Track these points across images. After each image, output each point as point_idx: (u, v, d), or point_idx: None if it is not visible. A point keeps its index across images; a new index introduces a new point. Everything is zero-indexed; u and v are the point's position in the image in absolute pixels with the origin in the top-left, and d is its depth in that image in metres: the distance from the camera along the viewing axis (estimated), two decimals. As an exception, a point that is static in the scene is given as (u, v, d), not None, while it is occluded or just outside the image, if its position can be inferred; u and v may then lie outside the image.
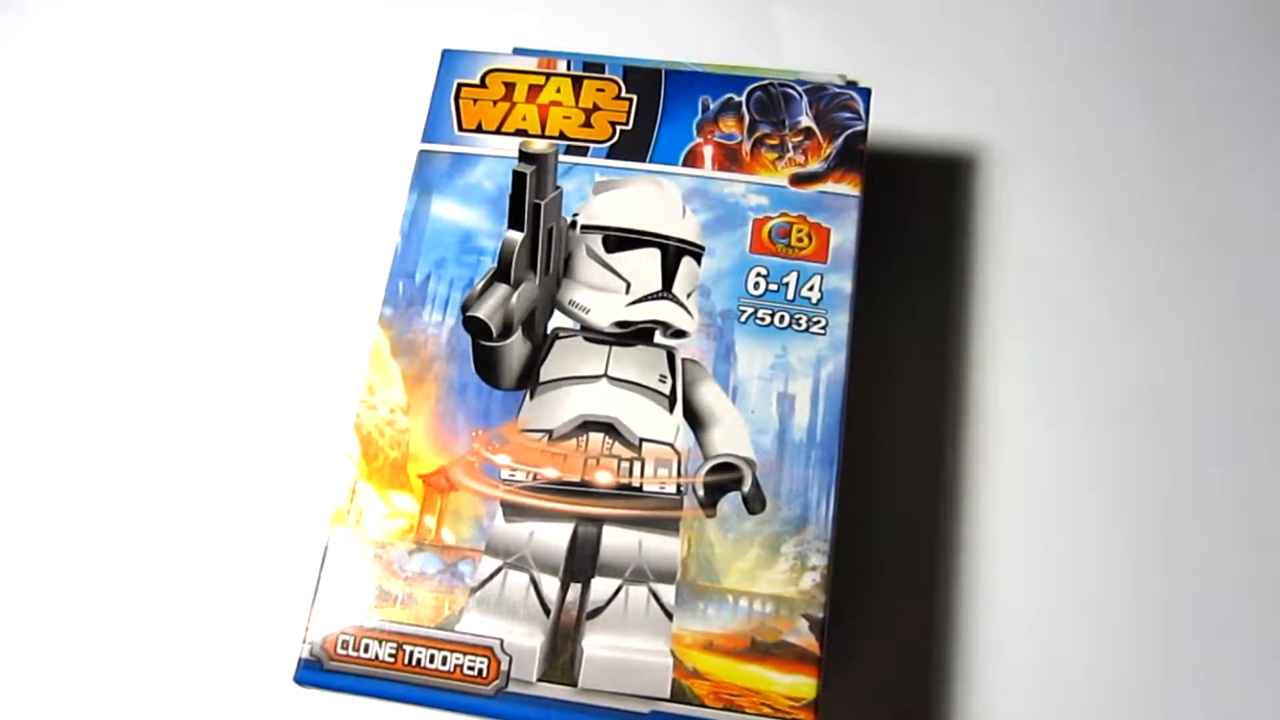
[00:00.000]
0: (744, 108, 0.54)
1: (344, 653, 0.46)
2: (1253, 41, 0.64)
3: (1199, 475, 0.56)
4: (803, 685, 0.45)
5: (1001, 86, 0.64)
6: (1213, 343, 0.58)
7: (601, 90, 0.55)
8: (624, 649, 0.46)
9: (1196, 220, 0.61)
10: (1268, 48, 0.64)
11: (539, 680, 0.45)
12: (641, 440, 0.48)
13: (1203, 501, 0.55)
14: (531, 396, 0.50)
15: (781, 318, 0.50)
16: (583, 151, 0.54)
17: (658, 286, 0.51)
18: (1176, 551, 0.55)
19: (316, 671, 0.46)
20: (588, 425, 0.49)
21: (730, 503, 0.48)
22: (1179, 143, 0.62)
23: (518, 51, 0.57)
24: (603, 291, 0.51)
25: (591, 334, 0.51)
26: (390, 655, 0.46)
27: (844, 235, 0.51)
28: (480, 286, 0.50)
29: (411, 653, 0.46)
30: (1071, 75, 0.64)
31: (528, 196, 0.49)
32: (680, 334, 0.50)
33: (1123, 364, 0.58)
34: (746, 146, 0.53)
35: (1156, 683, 0.52)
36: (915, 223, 0.61)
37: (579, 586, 0.47)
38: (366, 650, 0.46)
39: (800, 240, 0.51)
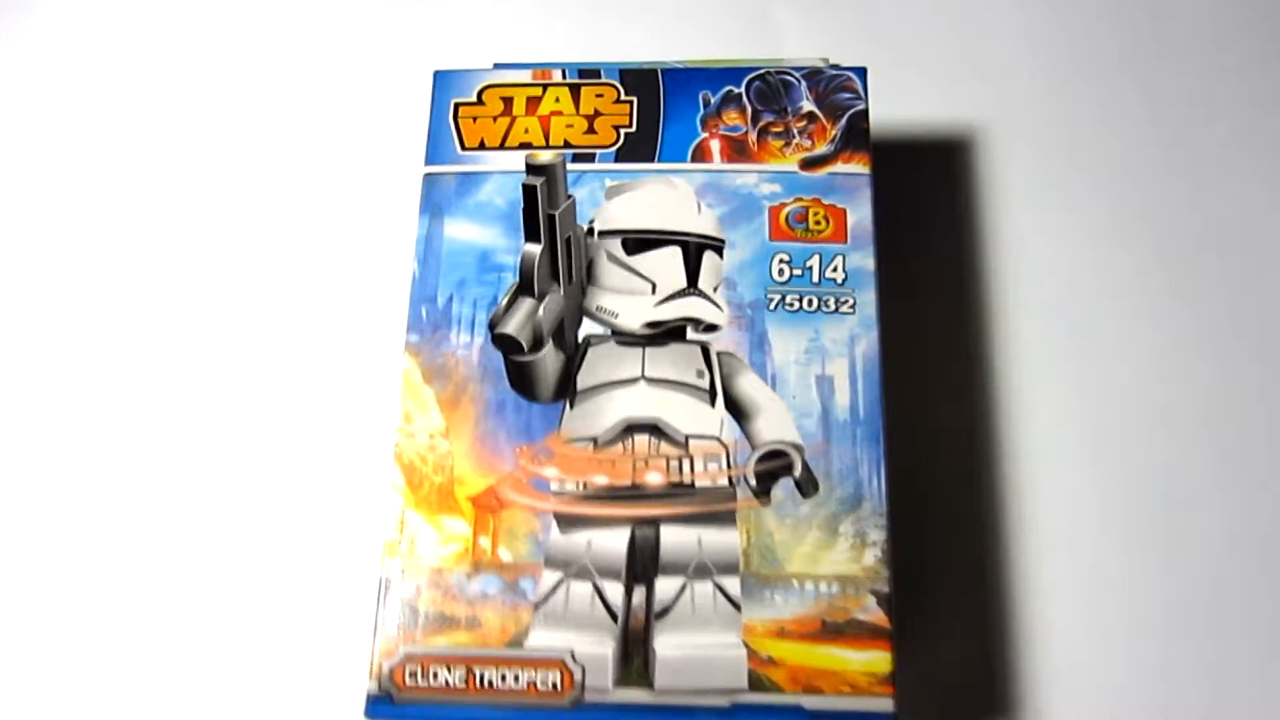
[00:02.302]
0: (745, 99, 0.54)
1: (413, 683, 0.46)
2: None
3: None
4: (878, 660, 0.45)
5: (998, 75, 0.65)
6: (1208, 326, 0.59)
7: (600, 95, 0.55)
8: (696, 645, 0.46)
9: (1191, 207, 0.62)
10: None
11: (615, 687, 0.45)
12: (688, 437, 0.49)
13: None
14: (571, 406, 0.49)
15: (810, 301, 0.51)
16: (589, 158, 0.54)
17: (683, 284, 0.51)
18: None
19: (387, 705, 0.46)
20: (632, 428, 0.49)
21: (783, 489, 0.48)
22: (1176, 127, 0.64)
23: (498, 67, 0.57)
24: (629, 294, 0.51)
25: (623, 337, 0.51)
26: (460, 680, 0.46)
27: (860, 214, 0.52)
28: (505, 303, 0.50)
29: (482, 674, 0.46)
30: (1067, 64, 0.65)
31: (541, 208, 0.49)
32: (712, 328, 0.50)
33: (1124, 346, 0.59)
34: (752, 137, 0.54)
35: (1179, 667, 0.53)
36: (919, 205, 0.62)
37: (643, 589, 0.47)
38: (435, 677, 0.46)
39: (818, 223, 0.52)
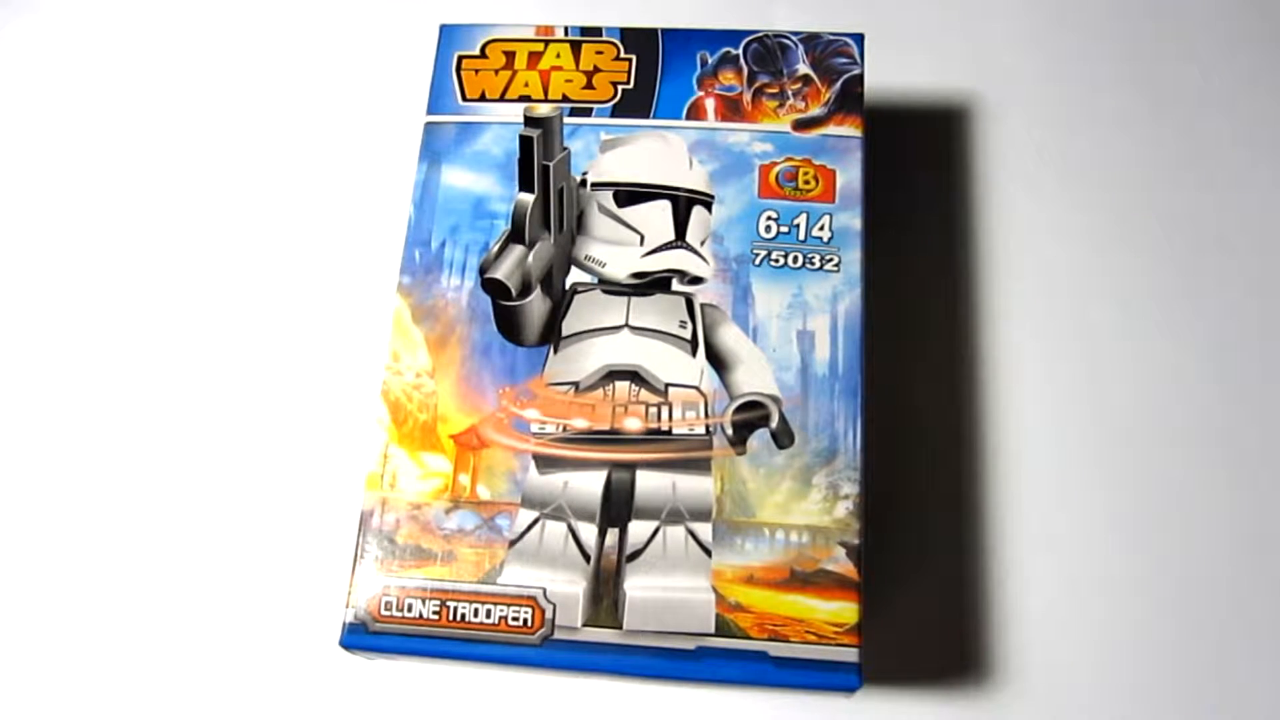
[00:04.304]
0: (741, 60, 0.55)
1: (388, 614, 0.47)
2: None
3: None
4: (845, 611, 0.46)
5: (995, 48, 0.65)
6: (1195, 290, 0.59)
7: (600, 53, 0.56)
8: (666, 588, 0.46)
9: (1184, 182, 0.62)
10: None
11: (584, 626, 0.46)
12: (667, 385, 0.49)
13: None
14: (555, 351, 0.50)
15: (795, 258, 0.51)
16: (586, 112, 0.54)
17: (671, 236, 0.51)
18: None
19: (362, 634, 0.47)
20: (613, 374, 0.49)
21: (759, 439, 0.48)
22: (1170, 102, 0.64)
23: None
24: (617, 245, 0.52)
25: (610, 286, 0.52)
26: (434, 613, 0.47)
27: (849, 175, 0.52)
28: (496, 249, 0.51)
29: (455, 608, 0.47)
30: (1064, 38, 0.66)
31: (536, 159, 0.50)
32: (697, 280, 0.51)
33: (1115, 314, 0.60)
34: (747, 97, 0.54)
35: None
36: (912, 171, 0.62)
37: (616, 531, 0.48)
38: (410, 610, 0.47)
39: (807, 183, 0.52)
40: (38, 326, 0.62)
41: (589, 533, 0.47)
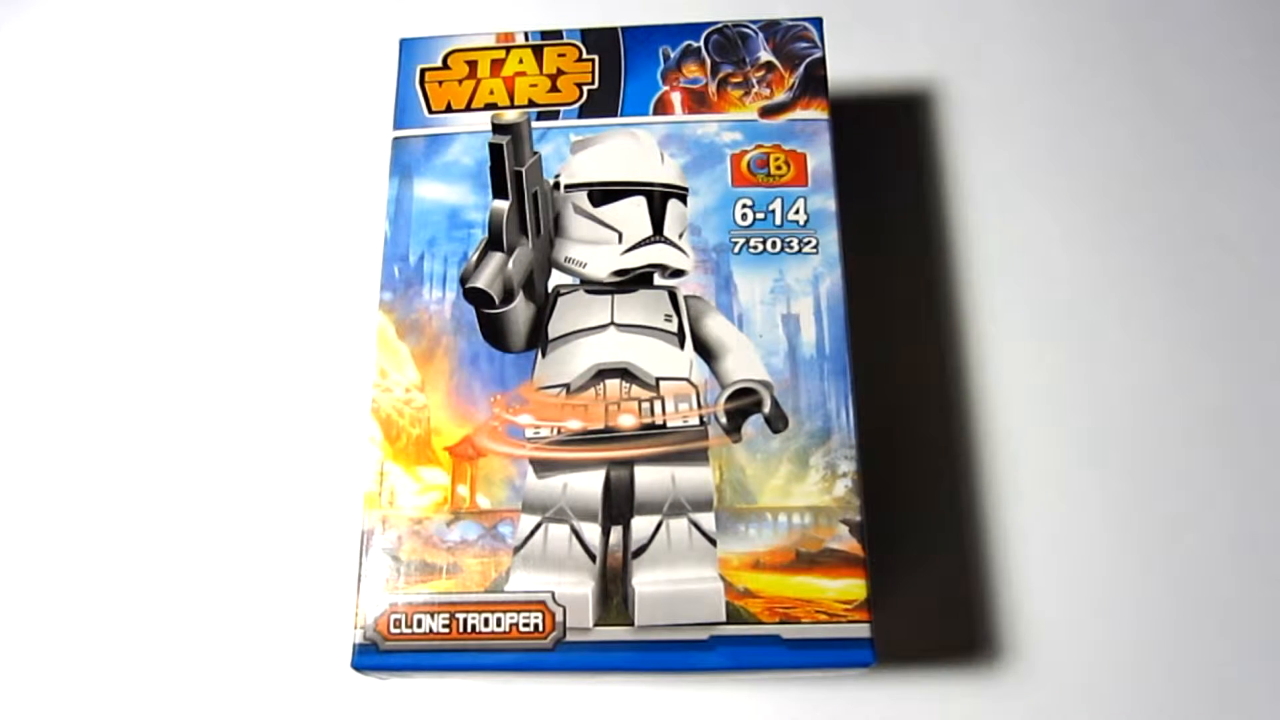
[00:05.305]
0: (704, 52, 0.55)
1: (397, 631, 0.47)
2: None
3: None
4: (853, 588, 0.46)
5: (966, 33, 0.66)
6: (1152, 267, 0.60)
7: (563, 55, 0.56)
8: (674, 581, 0.46)
9: (1148, 162, 0.62)
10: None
11: (595, 625, 0.46)
12: (658, 379, 0.49)
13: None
14: (543, 355, 0.50)
15: (773, 243, 0.51)
16: (554, 115, 0.55)
17: (649, 232, 0.52)
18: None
19: (373, 654, 0.46)
20: (603, 373, 0.50)
21: (754, 425, 0.49)
22: (1135, 87, 0.64)
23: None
24: (596, 244, 0.52)
25: (592, 286, 0.52)
26: (444, 626, 0.46)
27: (820, 158, 0.53)
28: (475, 258, 0.51)
29: (465, 620, 0.46)
30: (1034, 21, 0.66)
31: (507, 165, 0.50)
32: (678, 273, 0.51)
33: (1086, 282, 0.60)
34: (712, 88, 0.55)
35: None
36: (884, 153, 0.63)
37: (620, 529, 0.48)
38: (419, 625, 0.47)
39: (779, 168, 0.53)
40: (21, 332, 0.62)
41: (592, 532, 0.48)
